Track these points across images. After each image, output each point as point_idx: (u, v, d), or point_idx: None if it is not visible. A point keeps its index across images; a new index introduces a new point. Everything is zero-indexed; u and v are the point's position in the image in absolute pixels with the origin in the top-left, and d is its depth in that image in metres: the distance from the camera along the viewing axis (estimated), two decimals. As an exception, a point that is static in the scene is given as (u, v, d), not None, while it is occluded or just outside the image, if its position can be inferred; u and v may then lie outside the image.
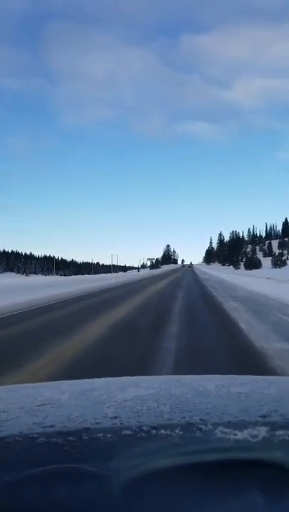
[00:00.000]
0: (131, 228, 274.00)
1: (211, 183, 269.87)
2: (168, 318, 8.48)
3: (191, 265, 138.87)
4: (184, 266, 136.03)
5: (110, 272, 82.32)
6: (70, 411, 0.87)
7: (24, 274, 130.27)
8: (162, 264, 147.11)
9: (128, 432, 0.72)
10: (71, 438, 0.70)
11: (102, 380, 1.23)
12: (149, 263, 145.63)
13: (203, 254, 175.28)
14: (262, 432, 0.69)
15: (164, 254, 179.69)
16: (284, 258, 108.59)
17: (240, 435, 0.68)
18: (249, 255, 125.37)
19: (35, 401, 0.97)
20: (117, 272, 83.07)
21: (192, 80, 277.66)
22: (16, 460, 0.66)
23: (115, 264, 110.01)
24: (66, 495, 0.56)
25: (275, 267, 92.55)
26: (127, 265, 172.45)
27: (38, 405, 0.92)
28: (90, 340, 6.00)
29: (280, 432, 0.70)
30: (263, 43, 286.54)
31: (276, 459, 0.62)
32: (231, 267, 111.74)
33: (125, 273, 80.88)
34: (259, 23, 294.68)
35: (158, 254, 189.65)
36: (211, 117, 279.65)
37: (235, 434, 0.68)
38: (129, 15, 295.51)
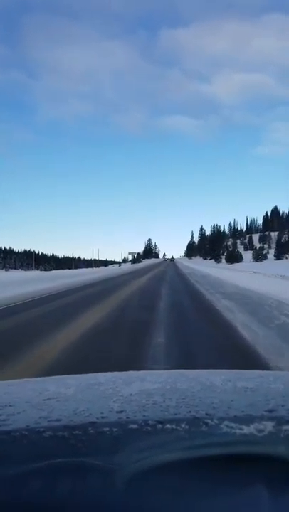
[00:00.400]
0: (112, 222, 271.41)
1: (193, 178, 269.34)
2: (153, 323, 7.17)
3: (172, 259, 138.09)
4: (165, 260, 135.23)
5: (92, 267, 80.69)
6: (76, 405, 0.87)
7: (4, 269, 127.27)
8: (144, 259, 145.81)
9: (134, 426, 0.72)
10: (77, 432, 0.71)
11: (108, 374, 1.22)
12: (130, 257, 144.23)
13: (185, 248, 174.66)
14: (268, 426, 0.69)
15: (146, 248, 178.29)
16: (265, 252, 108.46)
17: (247, 430, 0.68)
18: (230, 249, 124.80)
19: (41, 395, 0.96)
20: (99, 267, 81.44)
21: (172, 74, 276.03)
22: (23, 454, 0.66)
23: (97, 258, 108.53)
24: (72, 489, 0.56)
25: (256, 261, 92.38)
26: (108, 260, 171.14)
27: (44, 399, 0.91)
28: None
29: (286, 427, 0.70)
30: (242, 38, 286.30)
31: (282, 454, 0.62)
32: (212, 260, 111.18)
33: (107, 267, 79.42)
34: (239, 18, 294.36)
35: (140, 249, 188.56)
36: (192, 112, 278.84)
37: (241, 429, 0.68)
38: (109, 8, 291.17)
